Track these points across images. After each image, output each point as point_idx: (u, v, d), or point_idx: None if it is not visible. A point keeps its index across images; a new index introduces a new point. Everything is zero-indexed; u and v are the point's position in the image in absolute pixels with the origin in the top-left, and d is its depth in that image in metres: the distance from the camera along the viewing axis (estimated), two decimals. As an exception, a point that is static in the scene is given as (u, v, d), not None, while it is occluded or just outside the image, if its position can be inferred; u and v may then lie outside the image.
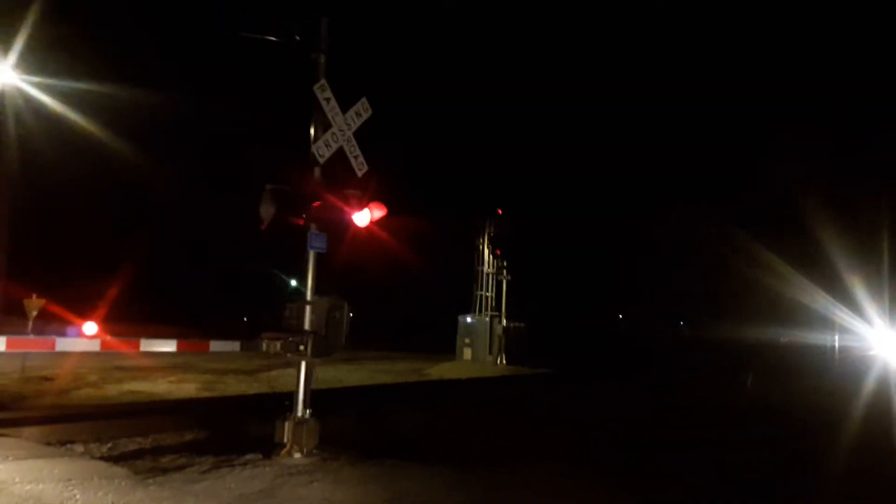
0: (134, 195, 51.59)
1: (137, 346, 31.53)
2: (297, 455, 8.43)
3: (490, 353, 29.57)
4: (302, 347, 8.38)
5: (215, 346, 34.41)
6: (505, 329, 30.19)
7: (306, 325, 8.58)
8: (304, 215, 8.75)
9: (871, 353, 30.46)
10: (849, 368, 29.13)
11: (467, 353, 29.62)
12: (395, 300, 45.57)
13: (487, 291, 30.56)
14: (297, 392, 8.67)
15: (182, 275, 53.29)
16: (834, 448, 11.34)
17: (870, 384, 21.40)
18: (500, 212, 30.32)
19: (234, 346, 34.26)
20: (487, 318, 30.09)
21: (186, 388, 17.36)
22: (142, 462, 8.28)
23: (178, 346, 32.69)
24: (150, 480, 7.23)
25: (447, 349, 30.28)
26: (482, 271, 30.67)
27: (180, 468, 7.92)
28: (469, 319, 30.35)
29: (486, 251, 30.57)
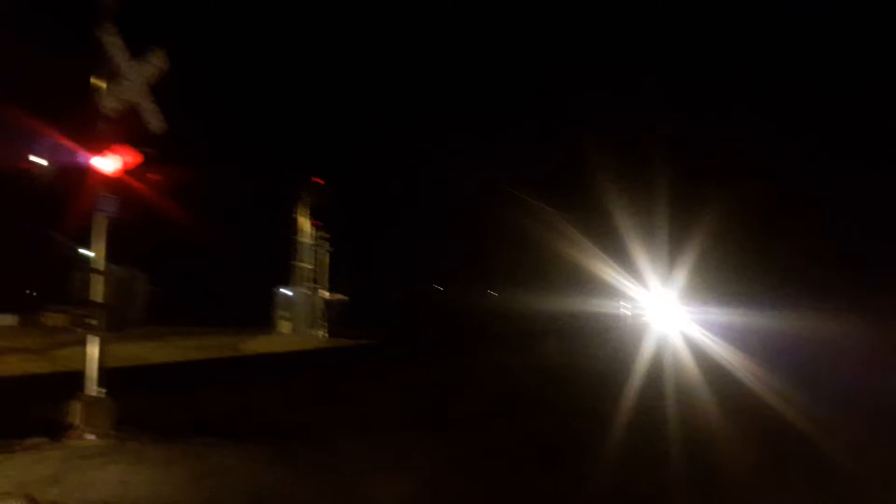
0: None
1: None
2: (91, 437, 7.80)
3: (310, 326, 29.24)
4: (91, 321, 7.69)
5: (-13, 320, 29.98)
6: (326, 301, 29.97)
7: (96, 297, 7.87)
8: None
9: (646, 319, 34.43)
10: (630, 333, 32.93)
11: (286, 327, 29.02)
12: (209, 273, 43.06)
13: (308, 263, 30.08)
14: (88, 369, 7.97)
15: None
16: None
17: (643, 347, 24.43)
18: (319, 181, 29.79)
19: (11, 320, 30.13)
20: (307, 291, 29.67)
21: (-47, 371, 15.06)
22: None
23: (-58, 324, 28.16)
24: None
25: (265, 323, 29.40)
26: (302, 242, 30.10)
27: (-57, 459, 6.95)
28: (288, 292, 29.71)
29: (307, 222, 30.03)
